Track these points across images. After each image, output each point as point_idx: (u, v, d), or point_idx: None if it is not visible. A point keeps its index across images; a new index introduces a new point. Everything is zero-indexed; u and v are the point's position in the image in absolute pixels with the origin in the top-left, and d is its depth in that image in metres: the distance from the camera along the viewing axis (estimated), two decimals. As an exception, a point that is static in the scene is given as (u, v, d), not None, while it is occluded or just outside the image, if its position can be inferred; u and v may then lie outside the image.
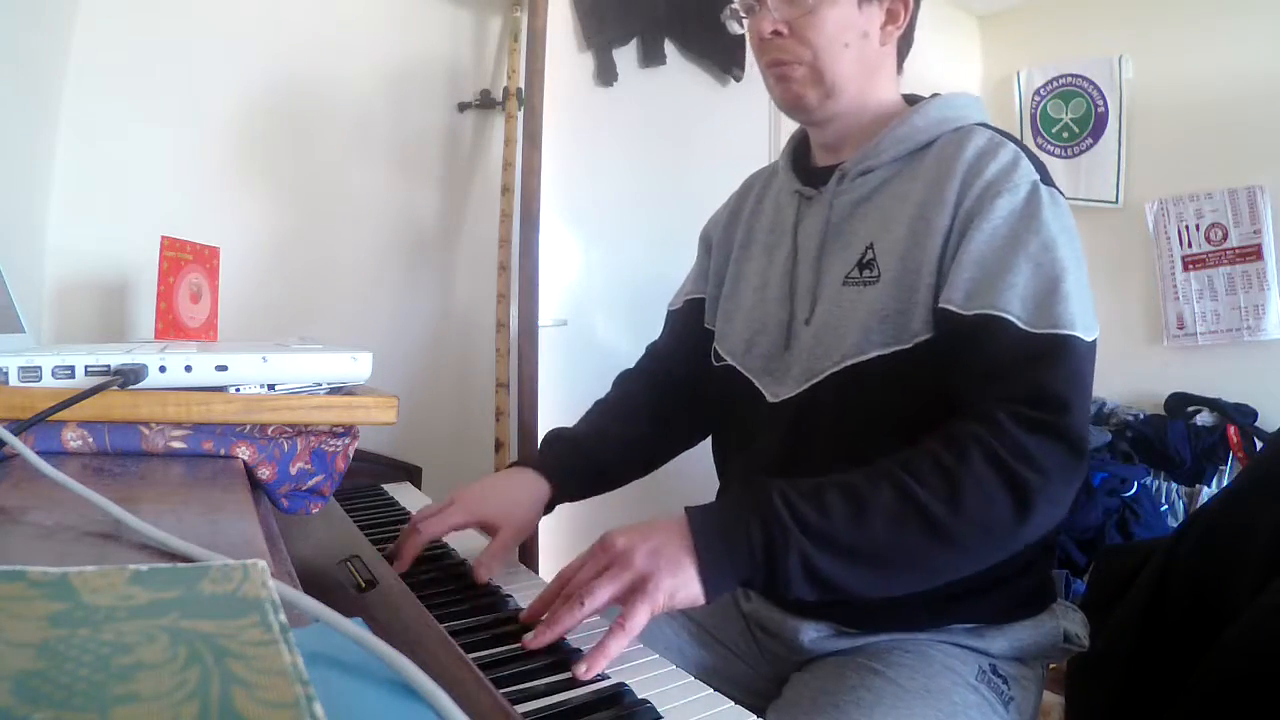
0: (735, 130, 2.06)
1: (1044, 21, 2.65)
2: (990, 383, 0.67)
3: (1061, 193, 0.75)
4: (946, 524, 0.61)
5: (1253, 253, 2.22)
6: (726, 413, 0.93)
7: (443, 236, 1.60)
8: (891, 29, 0.83)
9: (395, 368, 1.52)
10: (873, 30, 0.82)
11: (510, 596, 0.72)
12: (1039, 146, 2.62)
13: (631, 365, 1.06)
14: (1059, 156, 2.58)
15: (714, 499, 0.98)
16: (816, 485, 0.64)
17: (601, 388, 1.03)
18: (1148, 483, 2.21)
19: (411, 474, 1.26)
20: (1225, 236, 2.26)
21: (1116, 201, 2.47)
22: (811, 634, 0.78)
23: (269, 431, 0.57)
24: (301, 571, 0.47)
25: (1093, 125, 2.52)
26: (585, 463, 0.90)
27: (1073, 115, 2.56)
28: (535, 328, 1.52)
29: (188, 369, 0.57)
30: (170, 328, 1.05)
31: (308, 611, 0.30)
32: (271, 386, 0.60)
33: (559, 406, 1.59)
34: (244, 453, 0.56)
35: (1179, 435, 2.20)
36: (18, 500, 0.41)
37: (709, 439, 1.01)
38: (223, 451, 0.56)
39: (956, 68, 2.74)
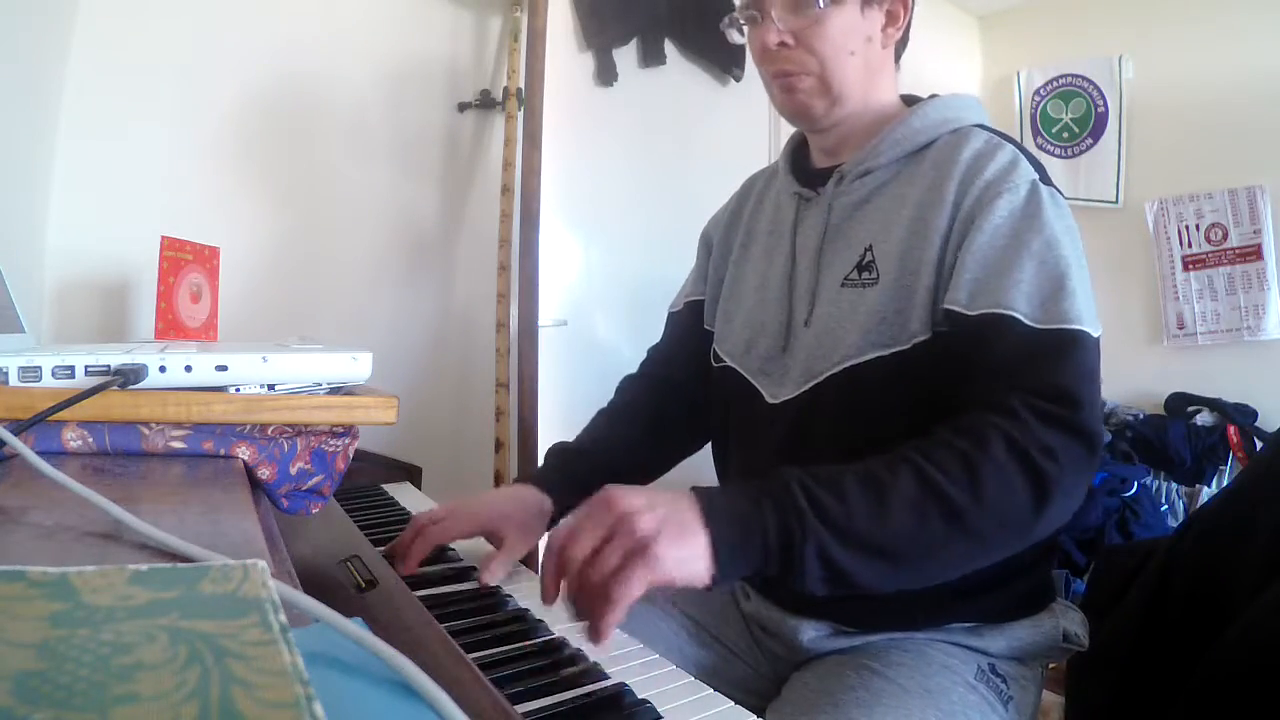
0: (735, 130, 2.06)
1: (1044, 21, 2.66)
2: (1001, 379, 0.66)
3: (1060, 192, 0.76)
4: (967, 513, 0.59)
5: (1253, 253, 2.22)
6: (726, 413, 0.93)
7: (443, 236, 1.60)
8: (891, 31, 0.83)
9: (395, 368, 1.52)
10: (875, 34, 0.82)
11: (510, 596, 0.72)
12: (1039, 146, 2.62)
13: (632, 366, 1.06)
14: (1059, 156, 2.58)
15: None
16: (834, 472, 0.61)
17: (601, 388, 1.04)
18: (1148, 483, 2.21)
19: (411, 474, 1.26)
20: (1225, 236, 2.26)
21: (1116, 201, 2.47)
22: (811, 633, 0.78)
23: (269, 431, 0.57)
24: (301, 571, 0.47)
25: (1093, 125, 2.52)
26: (586, 470, 0.90)
27: (1073, 115, 2.56)
28: (535, 328, 1.52)
29: (188, 369, 0.57)
30: (170, 328, 1.05)
31: (308, 611, 0.30)
32: (271, 386, 0.60)
33: (559, 406, 1.59)
34: (244, 453, 0.56)
35: (1179, 435, 2.20)
36: (18, 500, 0.41)
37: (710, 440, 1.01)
38: (223, 451, 0.56)
39: (956, 68, 2.74)
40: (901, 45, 0.87)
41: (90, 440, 0.53)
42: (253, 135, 1.34)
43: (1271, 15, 2.17)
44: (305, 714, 0.20)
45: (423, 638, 0.54)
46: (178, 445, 0.55)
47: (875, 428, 0.76)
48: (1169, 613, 0.89)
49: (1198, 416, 2.25)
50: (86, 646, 0.22)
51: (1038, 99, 2.64)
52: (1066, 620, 0.80)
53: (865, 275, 0.79)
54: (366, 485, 1.17)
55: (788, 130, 0.97)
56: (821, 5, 0.77)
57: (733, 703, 0.55)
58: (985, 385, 0.67)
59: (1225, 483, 2.14)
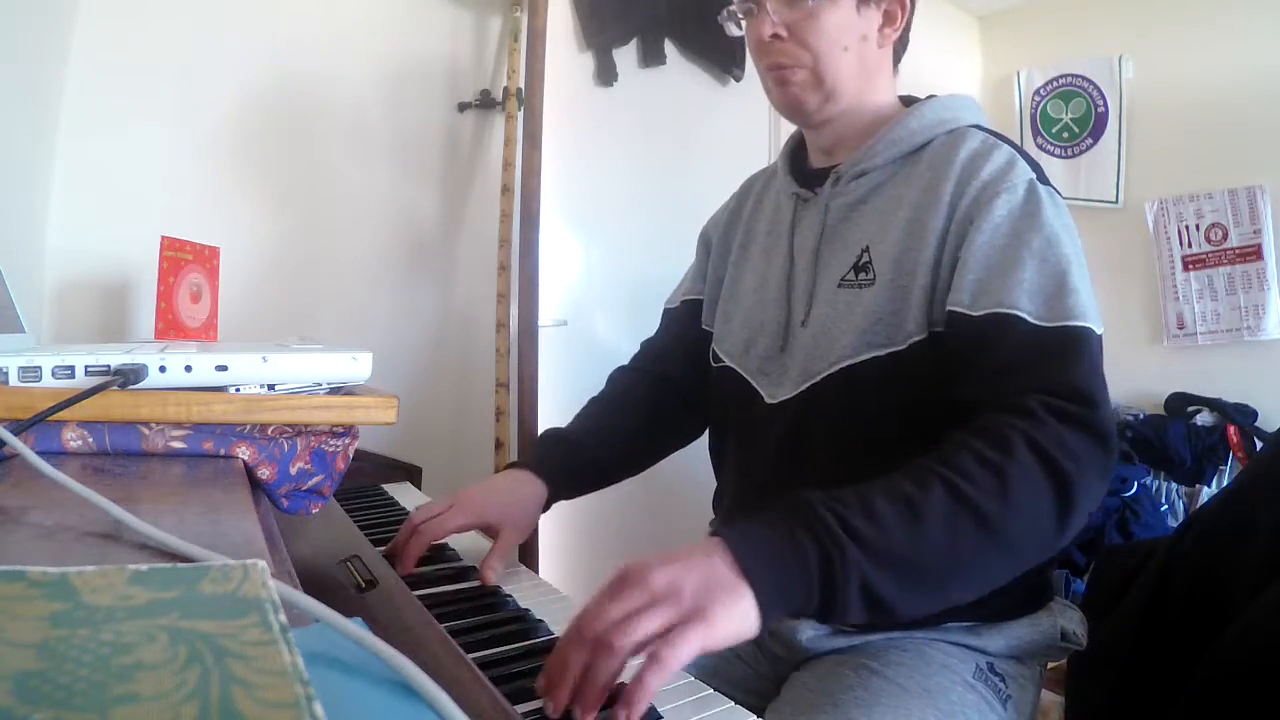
0: (735, 130, 2.06)
1: (1044, 21, 2.66)
2: (1012, 379, 0.65)
3: (1058, 191, 0.76)
4: (999, 522, 0.57)
5: (1253, 253, 2.22)
6: (725, 413, 0.93)
7: (443, 236, 1.60)
8: (889, 31, 0.84)
9: (395, 368, 1.52)
10: (871, 33, 0.82)
11: (510, 596, 0.72)
12: (1039, 146, 2.62)
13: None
14: (1059, 156, 2.58)
15: (711, 498, 0.99)
16: (862, 495, 0.57)
17: (601, 388, 1.04)
18: (1148, 483, 2.21)
19: (411, 474, 1.26)
20: (1225, 236, 2.26)
21: (1116, 201, 2.47)
22: (810, 633, 0.78)
23: (269, 431, 0.57)
24: (301, 571, 0.47)
25: (1093, 125, 2.52)
26: (580, 461, 0.91)
27: (1073, 115, 2.56)
28: (535, 328, 1.52)
29: (188, 369, 0.57)
30: (170, 328, 1.05)
31: (308, 611, 0.30)
32: (271, 386, 0.60)
33: (559, 406, 1.59)
34: (244, 453, 0.56)
35: (1179, 435, 2.20)
36: (18, 500, 0.41)
37: (705, 437, 1.01)
38: (223, 451, 0.56)
39: (956, 68, 2.74)
40: (901, 47, 0.87)
41: (90, 440, 0.53)
42: (253, 135, 1.34)
43: (1271, 15, 2.17)
44: (305, 714, 0.20)
45: (423, 638, 0.54)
46: (178, 445, 0.55)
47: (872, 427, 0.77)
48: (1169, 613, 0.89)
49: (1198, 416, 2.25)
50: (86, 646, 0.22)
51: (1038, 99, 2.64)
52: (1065, 619, 0.80)
53: (862, 276, 0.79)
54: (366, 485, 1.17)
55: (788, 130, 0.97)
56: None
57: (733, 703, 0.54)
58: (996, 385, 0.66)
59: (1225, 483, 2.14)
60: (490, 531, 0.81)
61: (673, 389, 1.00)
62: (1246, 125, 2.21)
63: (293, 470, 0.58)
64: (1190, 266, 2.32)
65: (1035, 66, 2.64)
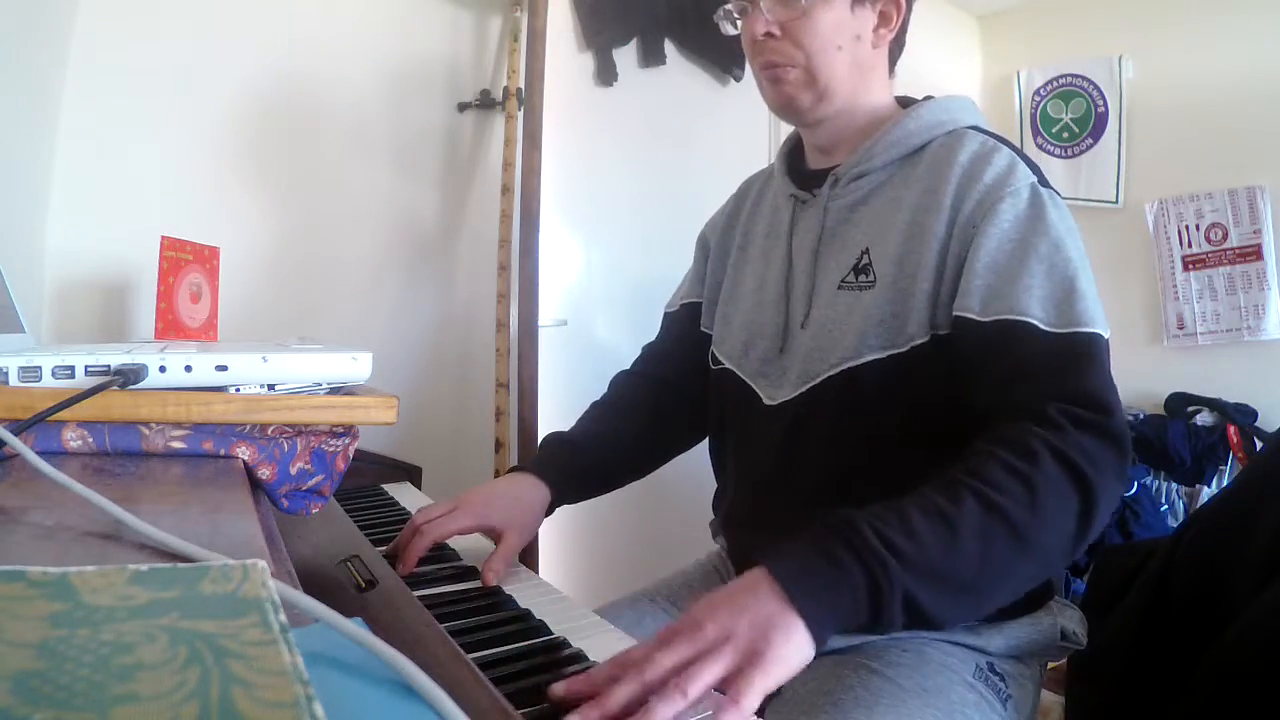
0: (735, 130, 2.06)
1: (1044, 21, 2.65)
2: (1027, 386, 0.66)
3: (1058, 193, 0.76)
4: (1029, 530, 0.58)
5: (1253, 253, 2.22)
6: (724, 415, 0.93)
7: (443, 236, 1.60)
8: (884, 32, 0.84)
9: (395, 368, 1.52)
10: (865, 33, 0.82)
11: (510, 596, 0.72)
12: (1039, 147, 2.62)
13: (629, 366, 1.06)
14: (1059, 156, 2.58)
15: (711, 499, 0.99)
16: (898, 510, 0.58)
17: (601, 388, 1.04)
18: (1148, 483, 2.21)
19: (411, 474, 1.26)
20: (1225, 236, 2.26)
21: (1116, 201, 2.47)
22: (810, 633, 0.78)
23: (269, 431, 0.57)
24: (301, 571, 0.47)
25: (1093, 125, 2.52)
26: (583, 465, 0.90)
27: (1073, 115, 2.56)
28: (535, 328, 1.52)
29: (188, 369, 0.57)
30: (170, 328, 1.05)
31: (308, 611, 0.30)
32: (271, 386, 0.60)
33: (559, 406, 1.59)
34: (244, 453, 0.56)
35: (1179, 435, 2.20)
36: (18, 500, 0.41)
37: (706, 440, 1.01)
38: (223, 451, 0.56)
39: (956, 68, 2.74)
40: (897, 48, 0.87)
41: (90, 440, 0.53)
42: (253, 135, 1.34)
43: (1271, 15, 2.17)
44: (305, 714, 0.20)
45: (423, 638, 0.54)
46: (178, 445, 0.55)
47: (872, 429, 0.77)
48: (1169, 613, 0.89)
49: (1198, 416, 2.25)
50: (86, 646, 0.22)
51: (1038, 99, 2.64)
52: (1065, 619, 0.80)
53: (862, 278, 0.79)
54: (366, 485, 1.17)
55: (787, 131, 0.97)
56: None
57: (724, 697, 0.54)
58: (1011, 393, 0.66)
59: (1225, 483, 2.14)
60: (493, 534, 0.80)
61: (674, 393, 1.00)
62: (1246, 125, 2.21)
63: (293, 470, 0.58)
64: (1190, 266, 2.32)
65: (1035, 66, 2.64)
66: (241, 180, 1.34)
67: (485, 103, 1.60)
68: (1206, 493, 2.15)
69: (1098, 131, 2.51)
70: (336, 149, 1.45)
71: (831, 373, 0.78)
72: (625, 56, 1.86)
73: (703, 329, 1.00)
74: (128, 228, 1.20)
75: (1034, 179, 0.74)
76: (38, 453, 0.44)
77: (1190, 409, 2.26)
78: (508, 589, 0.73)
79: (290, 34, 1.38)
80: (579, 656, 0.59)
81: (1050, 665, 0.88)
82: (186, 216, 1.24)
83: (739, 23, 0.85)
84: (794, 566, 0.54)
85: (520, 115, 1.53)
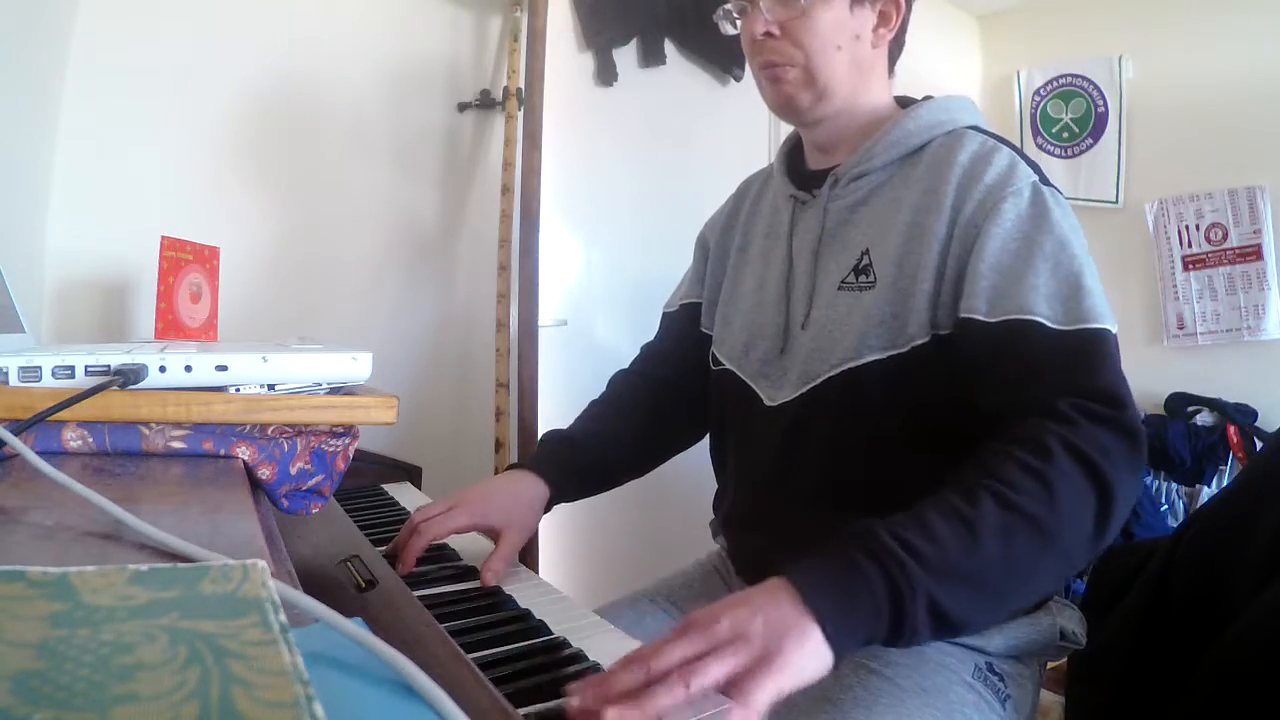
0: (735, 130, 2.06)
1: (1044, 21, 2.65)
2: (1039, 385, 0.65)
3: (1059, 191, 0.76)
4: (1049, 527, 0.57)
5: (1253, 253, 2.22)
6: (725, 416, 0.93)
7: (443, 236, 1.60)
8: (884, 31, 0.84)
9: (395, 368, 1.52)
10: (865, 33, 0.82)
11: (510, 596, 0.72)
12: (1039, 147, 2.62)
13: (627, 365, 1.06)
14: (1059, 156, 2.58)
15: (711, 499, 0.99)
16: (916, 515, 0.57)
17: (601, 388, 1.04)
18: (1148, 483, 2.21)
19: (411, 474, 1.26)
20: (1225, 236, 2.26)
21: (1116, 201, 2.47)
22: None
23: (269, 431, 0.57)
24: (301, 571, 0.47)
25: (1093, 125, 2.51)
26: (582, 464, 0.91)
27: (1073, 115, 2.56)
28: (535, 328, 1.52)
29: (188, 369, 0.57)
30: (170, 328, 1.05)
31: (308, 611, 0.30)
32: (271, 386, 0.60)
33: (559, 406, 1.59)
34: (244, 453, 0.56)
35: (1179, 435, 2.20)
36: (18, 500, 0.41)
37: (706, 440, 1.01)
38: (223, 451, 0.56)
39: (956, 68, 2.74)
40: (896, 48, 0.87)
41: (90, 440, 0.53)
42: (253, 135, 1.34)
43: (1271, 15, 2.17)
44: (305, 714, 0.20)
45: (423, 638, 0.54)
46: (178, 445, 0.55)
47: (872, 429, 0.76)
48: (1169, 613, 0.89)
49: (1198, 416, 2.25)
50: (86, 646, 0.22)
51: (1038, 99, 2.64)
52: (1064, 618, 0.80)
53: (862, 279, 0.79)
54: (366, 485, 1.17)
55: (787, 130, 0.97)
56: None
57: (732, 702, 0.54)
58: (1022, 392, 0.66)
59: (1225, 483, 2.14)
60: (491, 533, 0.80)
61: (673, 392, 1.00)
62: (1246, 125, 2.21)
63: (293, 470, 0.58)
64: (1190, 266, 2.32)
65: (1035, 66, 2.64)
66: (241, 180, 1.34)
67: (485, 103, 1.60)
68: (1206, 493, 2.15)
69: (1098, 131, 2.51)
70: (336, 149, 1.45)
71: (832, 373, 0.78)
72: (625, 56, 1.86)
73: (702, 329, 1.00)
74: (128, 228, 1.20)
75: (1035, 178, 0.74)
76: (38, 453, 0.44)
77: (1190, 409, 2.26)
78: (507, 589, 0.73)
79: (290, 34, 1.38)
80: (579, 656, 0.59)
81: (1050, 665, 0.88)
82: (186, 216, 1.24)
83: (738, 22, 0.85)
84: (812, 574, 0.54)
85: (520, 115, 1.53)
